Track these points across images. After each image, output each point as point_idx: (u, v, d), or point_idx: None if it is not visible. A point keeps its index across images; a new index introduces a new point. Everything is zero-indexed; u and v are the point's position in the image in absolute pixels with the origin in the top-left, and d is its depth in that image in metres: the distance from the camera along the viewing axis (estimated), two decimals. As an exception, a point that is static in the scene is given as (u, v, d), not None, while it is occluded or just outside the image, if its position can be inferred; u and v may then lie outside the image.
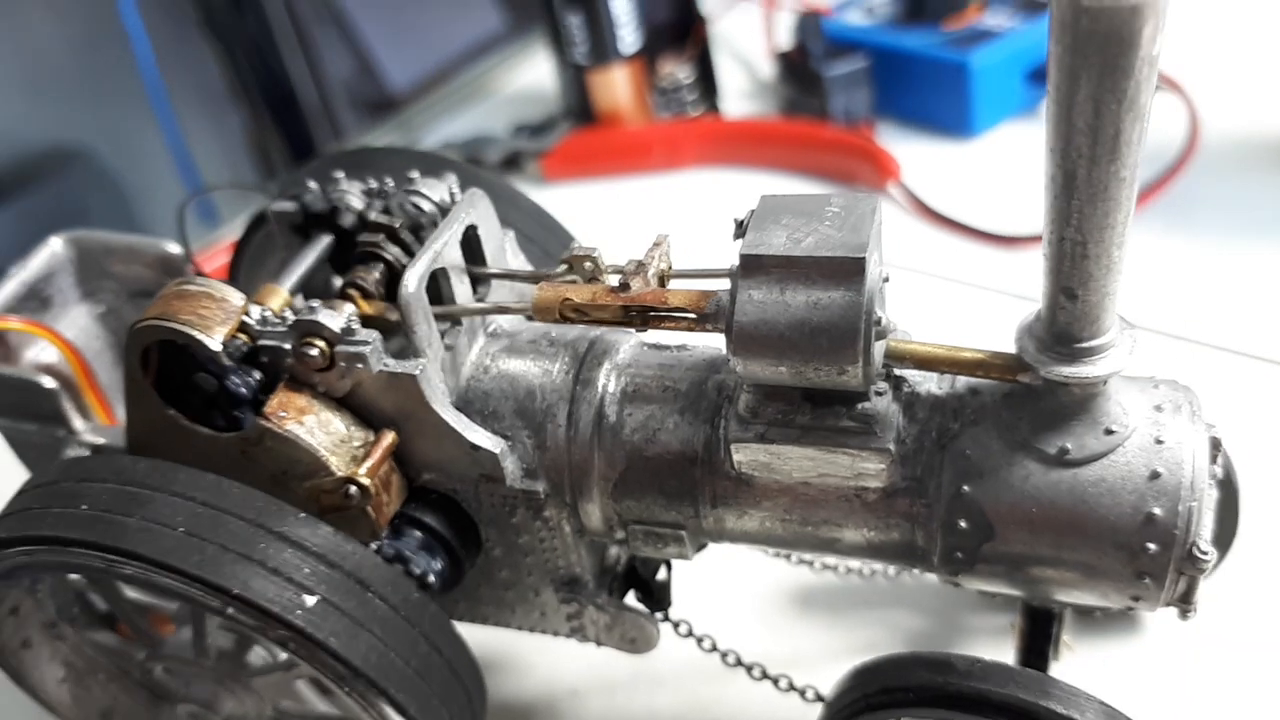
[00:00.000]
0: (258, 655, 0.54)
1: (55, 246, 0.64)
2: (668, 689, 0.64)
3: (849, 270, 0.41)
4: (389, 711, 0.47)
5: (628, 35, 1.15)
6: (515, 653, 0.68)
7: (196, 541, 0.45)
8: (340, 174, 0.56)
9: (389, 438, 0.49)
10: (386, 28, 2.18)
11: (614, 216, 1.03)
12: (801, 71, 1.12)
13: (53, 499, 0.47)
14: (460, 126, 1.35)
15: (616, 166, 1.15)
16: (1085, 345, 0.41)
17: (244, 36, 1.85)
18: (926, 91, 1.08)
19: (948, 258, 0.93)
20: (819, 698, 0.57)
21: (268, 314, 0.49)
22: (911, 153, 1.04)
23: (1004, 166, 1.03)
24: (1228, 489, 0.56)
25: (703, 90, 1.20)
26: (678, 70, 1.18)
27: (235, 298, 0.48)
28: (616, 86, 1.17)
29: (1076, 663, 0.45)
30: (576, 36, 1.15)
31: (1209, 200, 0.92)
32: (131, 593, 0.52)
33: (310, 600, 0.45)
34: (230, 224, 1.24)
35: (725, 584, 0.66)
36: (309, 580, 0.45)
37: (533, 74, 1.41)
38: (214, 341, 0.46)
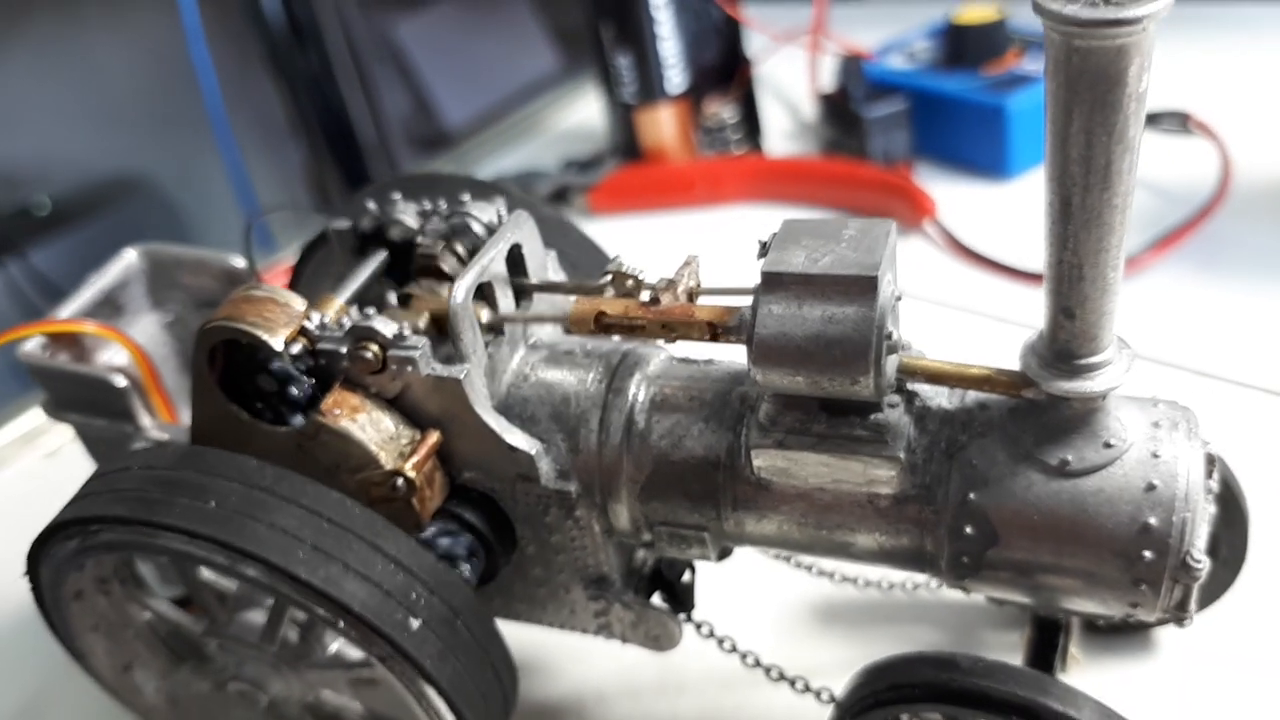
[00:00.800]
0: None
1: (130, 258, 0.69)
2: (691, 695, 0.67)
3: (862, 287, 0.45)
4: (444, 711, 0.51)
5: (675, 76, 1.19)
6: (546, 657, 0.71)
7: (323, 557, 0.48)
8: (397, 195, 0.60)
9: (434, 436, 0.52)
10: (444, 67, 2.24)
11: (656, 249, 1.07)
12: (843, 113, 1.15)
13: (177, 488, 0.50)
14: (512, 161, 1.40)
15: (660, 201, 1.19)
16: (1084, 362, 0.44)
17: (306, 72, 1.91)
18: (964, 134, 1.11)
19: (980, 294, 0.95)
20: (834, 699, 0.59)
21: (326, 320, 0.53)
22: (948, 193, 1.07)
23: (1038, 207, 1.05)
24: (1236, 513, 0.58)
25: (746, 130, 1.24)
26: (722, 110, 1.22)
27: (297, 303, 0.52)
28: (662, 125, 1.21)
29: (1087, 680, 0.47)
30: (626, 77, 1.20)
31: (1239, 243, 0.94)
32: (207, 574, 0.55)
33: (415, 623, 0.49)
34: (286, 249, 1.29)
35: (747, 595, 0.69)
36: (415, 605, 0.49)
37: (583, 113, 1.46)
38: (277, 342, 0.50)
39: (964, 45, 1.14)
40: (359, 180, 1.96)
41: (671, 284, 0.51)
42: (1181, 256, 0.94)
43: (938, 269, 1.00)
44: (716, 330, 0.49)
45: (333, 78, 1.93)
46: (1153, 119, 1.08)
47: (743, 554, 0.67)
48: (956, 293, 0.96)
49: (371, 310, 0.52)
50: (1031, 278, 0.95)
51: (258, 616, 0.56)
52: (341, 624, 0.48)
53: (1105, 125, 0.37)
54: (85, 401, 0.62)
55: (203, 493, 0.49)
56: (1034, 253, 0.96)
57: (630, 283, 0.52)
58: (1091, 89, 0.37)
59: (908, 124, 1.12)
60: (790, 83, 1.33)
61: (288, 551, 0.48)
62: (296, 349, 0.51)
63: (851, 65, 1.15)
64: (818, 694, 0.60)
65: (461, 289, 0.51)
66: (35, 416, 1.05)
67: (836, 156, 1.17)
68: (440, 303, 0.55)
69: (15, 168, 1.98)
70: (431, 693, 0.50)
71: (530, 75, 2.02)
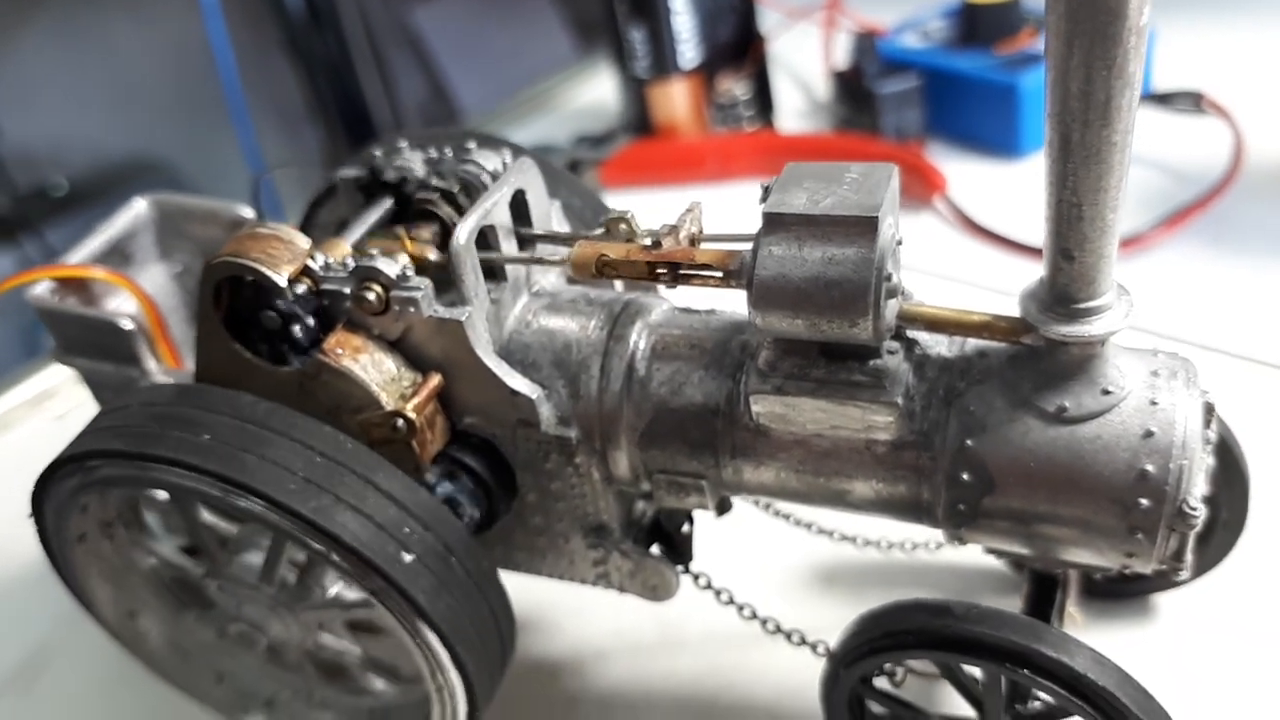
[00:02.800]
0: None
1: (139, 207, 0.69)
2: (690, 651, 0.67)
3: (863, 228, 0.45)
4: (446, 661, 0.51)
5: (688, 51, 1.19)
6: (546, 614, 0.71)
7: (314, 489, 0.49)
8: (404, 145, 0.60)
9: (435, 379, 0.53)
10: (460, 52, 2.25)
11: (666, 222, 1.07)
12: (856, 90, 1.15)
13: (171, 422, 0.51)
14: (524, 136, 1.39)
15: (671, 176, 1.19)
16: (1083, 306, 0.44)
17: (323, 56, 1.91)
18: (976, 112, 1.11)
19: (990, 270, 0.95)
20: (829, 652, 0.59)
21: (330, 261, 0.53)
22: (960, 170, 1.07)
23: (1049, 185, 1.05)
24: (1237, 477, 0.58)
25: (759, 106, 1.24)
26: (735, 86, 1.22)
27: (302, 241, 0.52)
28: (675, 100, 1.21)
29: (1087, 641, 0.47)
30: (639, 51, 1.20)
31: (1251, 221, 0.94)
32: (208, 517, 0.56)
33: (408, 557, 0.49)
34: (294, 212, 1.29)
35: (746, 553, 0.69)
36: (408, 539, 0.50)
37: (596, 90, 1.46)
38: (280, 278, 0.51)
39: (978, 24, 1.13)
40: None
41: (674, 229, 0.51)
42: (1193, 234, 0.93)
43: (948, 245, 1.00)
44: (716, 273, 0.49)
45: (349, 61, 1.94)
46: (1166, 99, 1.07)
47: (742, 512, 0.67)
48: (966, 269, 0.95)
49: (375, 251, 0.52)
50: (1040, 254, 0.94)
51: (257, 559, 0.56)
52: (334, 556, 0.49)
53: (1105, 59, 0.37)
54: (93, 346, 0.63)
55: (197, 427, 0.50)
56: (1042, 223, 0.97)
57: (624, 226, 0.52)
58: (1092, 21, 0.37)
59: (920, 101, 1.12)
60: (804, 60, 1.33)
61: (279, 483, 0.48)
62: (301, 289, 0.52)
63: (865, 42, 1.15)
64: (813, 647, 0.60)
65: (464, 230, 0.51)
66: (44, 380, 1.06)
67: (849, 133, 1.17)
68: (419, 247, 0.55)
69: (32, 149, 1.99)
70: (425, 629, 0.50)
71: (545, 60, 2.02)
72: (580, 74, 1.57)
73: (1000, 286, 0.92)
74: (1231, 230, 0.93)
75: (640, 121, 1.25)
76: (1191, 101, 1.07)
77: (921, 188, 1.05)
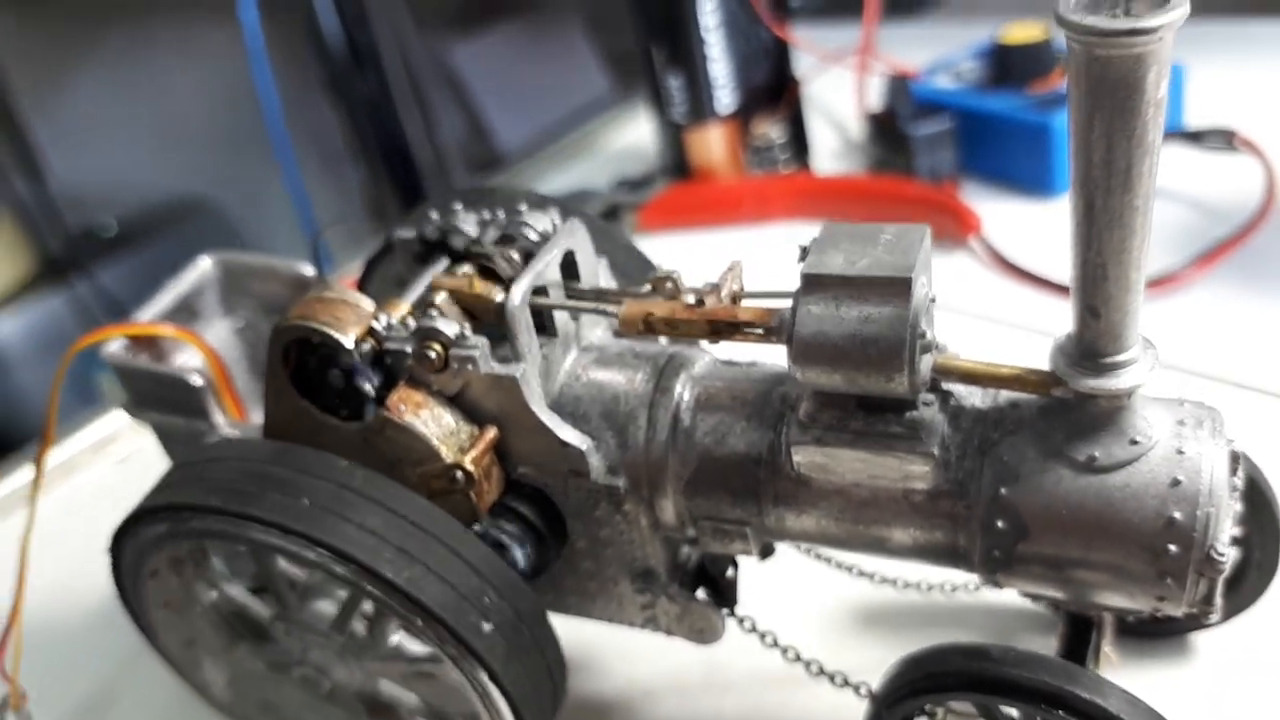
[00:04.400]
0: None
1: (204, 265, 0.73)
2: (735, 693, 0.69)
3: (897, 289, 0.47)
4: (507, 716, 0.54)
5: (724, 96, 1.22)
6: (595, 655, 0.73)
7: (406, 559, 0.51)
8: (458, 206, 0.63)
9: (491, 432, 0.55)
10: (499, 91, 2.29)
11: (705, 265, 1.10)
12: (890, 132, 1.17)
13: (268, 482, 0.53)
14: (564, 181, 1.43)
15: (709, 219, 1.22)
16: (1109, 360, 0.46)
17: (365, 96, 1.95)
18: (1009, 152, 1.13)
19: (1024, 309, 0.97)
20: (871, 694, 0.61)
21: (392, 321, 0.56)
22: (994, 210, 1.09)
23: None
24: (1270, 520, 0.59)
25: (794, 149, 1.26)
26: (771, 129, 1.24)
27: (367, 304, 0.55)
28: (712, 144, 1.24)
29: (1121, 681, 0.48)
30: (676, 97, 1.23)
31: (1283, 258, 0.95)
32: (283, 564, 0.59)
33: (488, 627, 0.52)
34: (343, 264, 1.33)
35: (789, 596, 0.71)
36: (488, 609, 0.53)
37: (634, 134, 1.50)
38: (347, 340, 0.54)
39: (1010, 65, 1.16)
40: (415, 201, 2.01)
41: (716, 288, 0.53)
42: (1226, 272, 0.95)
43: (983, 285, 1.02)
44: (757, 330, 0.51)
45: (391, 101, 1.97)
46: (1198, 136, 1.09)
47: (785, 556, 0.69)
48: (1001, 308, 0.97)
49: (435, 312, 0.55)
50: (1075, 292, 0.96)
51: (327, 605, 0.59)
52: (419, 623, 0.51)
53: (1125, 130, 0.40)
54: (163, 400, 0.66)
55: (295, 489, 0.52)
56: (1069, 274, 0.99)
57: (669, 285, 0.54)
58: (1112, 96, 0.39)
59: (953, 142, 1.14)
60: (838, 102, 1.35)
61: (375, 552, 0.51)
62: (365, 348, 0.55)
63: (898, 85, 1.18)
64: (856, 689, 0.61)
65: (518, 291, 0.54)
66: (106, 425, 1.10)
67: (883, 174, 1.19)
68: (459, 283, 0.58)
69: (82, 190, 2.05)
70: (495, 692, 0.53)
71: (583, 99, 2.06)
72: (619, 117, 1.61)
73: (1035, 326, 0.93)
74: (1265, 267, 0.95)
75: (678, 165, 1.28)
76: (1223, 139, 1.08)
77: (956, 228, 1.07)
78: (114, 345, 0.67)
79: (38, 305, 1.88)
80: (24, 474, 1.05)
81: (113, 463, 1.07)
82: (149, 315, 0.69)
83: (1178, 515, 0.46)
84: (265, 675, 0.66)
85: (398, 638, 0.59)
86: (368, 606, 0.57)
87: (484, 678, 0.53)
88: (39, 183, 2.02)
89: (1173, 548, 0.47)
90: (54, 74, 2.01)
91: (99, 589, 0.87)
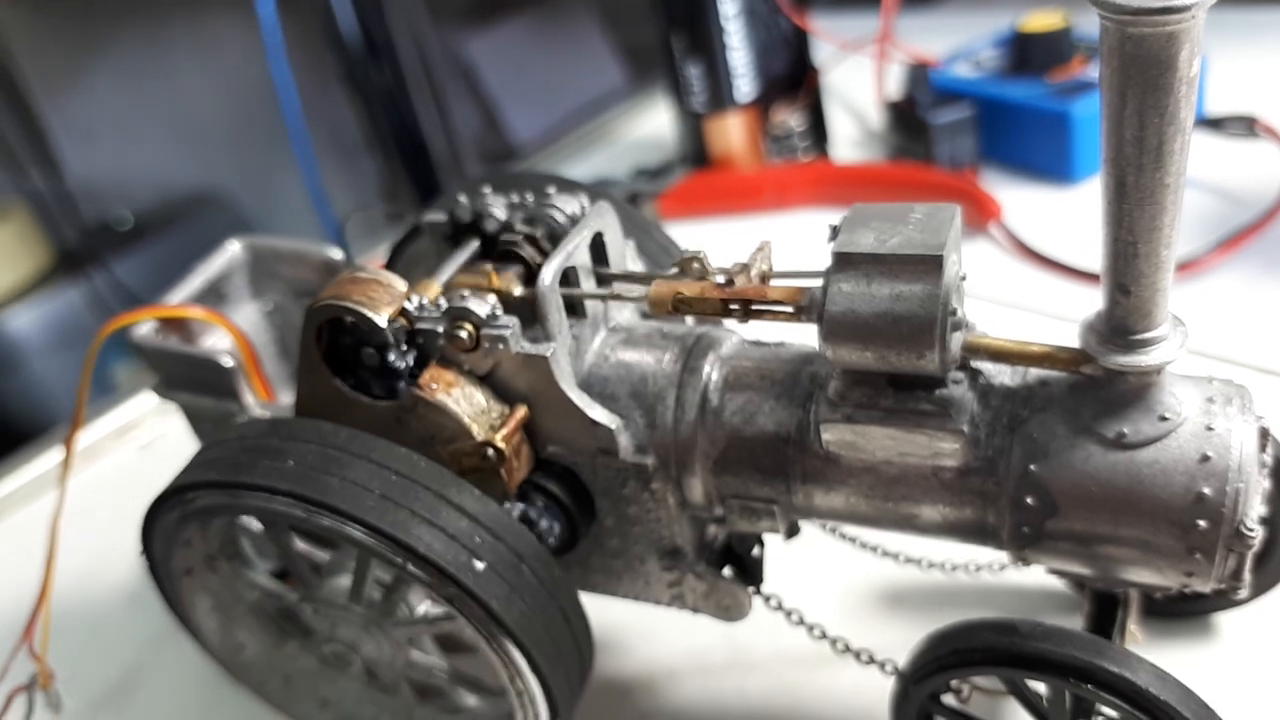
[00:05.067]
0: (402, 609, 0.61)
1: (234, 249, 0.74)
2: (759, 672, 0.69)
3: (929, 266, 0.47)
4: (524, 667, 0.54)
5: (744, 85, 1.22)
6: (620, 636, 0.74)
7: (390, 504, 0.52)
8: (487, 189, 0.64)
9: (522, 411, 0.56)
10: (514, 83, 2.30)
11: (724, 253, 1.11)
12: (909, 120, 1.17)
13: (261, 453, 0.55)
14: (582, 170, 1.44)
15: (728, 207, 1.22)
16: (1139, 337, 0.46)
17: (380, 89, 1.95)
18: (1029, 140, 1.13)
19: (1046, 295, 0.97)
20: (898, 670, 0.62)
21: (424, 302, 0.57)
22: (1014, 197, 1.09)
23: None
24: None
25: (814, 137, 1.26)
26: (790, 118, 1.25)
27: (399, 284, 0.56)
28: (731, 133, 1.25)
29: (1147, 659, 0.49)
30: (696, 86, 1.23)
31: (1306, 245, 0.95)
32: (300, 544, 0.59)
33: (479, 565, 0.53)
34: (360, 255, 1.34)
35: (814, 576, 0.72)
36: (479, 548, 0.53)
37: (653, 123, 1.50)
38: (381, 319, 0.54)
39: (1029, 52, 1.16)
40: (431, 193, 2.02)
41: (745, 268, 0.54)
42: (1248, 257, 0.95)
43: (1004, 272, 1.02)
44: (788, 309, 0.52)
45: (406, 94, 1.98)
46: (1219, 123, 1.09)
47: (810, 536, 0.69)
48: (1022, 294, 0.97)
49: (466, 292, 0.56)
50: (1095, 279, 0.96)
51: (347, 581, 0.60)
52: (411, 568, 0.52)
53: (1157, 108, 0.40)
54: (194, 381, 0.67)
55: (282, 454, 0.54)
56: (1098, 255, 0.99)
57: (697, 265, 0.55)
58: (1144, 74, 0.39)
59: (974, 130, 1.14)
60: (857, 91, 1.35)
61: (358, 501, 0.52)
62: (397, 327, 0.55)
63: (918, 73, 1.18)
64: (881, 666, 0.62)
65: (549, 272, 0.54)
66: (128, 411, 1.11)
67: (903, 162, 1.19)
68: (505, 282, 0.59)
69: (99, 183, 2.06)
70: (502, 635, 0.53)
71: (597, 91, 2.06)
72: (637, 107, 1.61)
73: (1057, 312, 0.93)
74: (1288, 253, 0.95)
75: (697, 154, 1.28)
76: (1245, 126, 1.08)
77: (977, 215, 1.07)
78: (144, 328, 0.68)
79: (54, 297, 1.89)
80: (47, 460, 1.06)
81: (135, 448, 1.08)
82: (178, 298, 0.70)
83: (1207, 491, 0.47)
84: (318, 672, 0.67)
85: (422, 607, 0.59)
86: (384, 575, 0.57)
87: (487, 620, 0.53)
88: (55, 176, 2.03)
89: (1202, 523, 0.47)
90: (70, 68, 2.03)
91: (125, 571, 0.88)
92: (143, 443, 1.09)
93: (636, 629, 0.74)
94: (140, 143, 2.06)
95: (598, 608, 0.65)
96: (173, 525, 0.59)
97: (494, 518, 0.54)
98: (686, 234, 1.20)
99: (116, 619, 0.85)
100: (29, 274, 1.92)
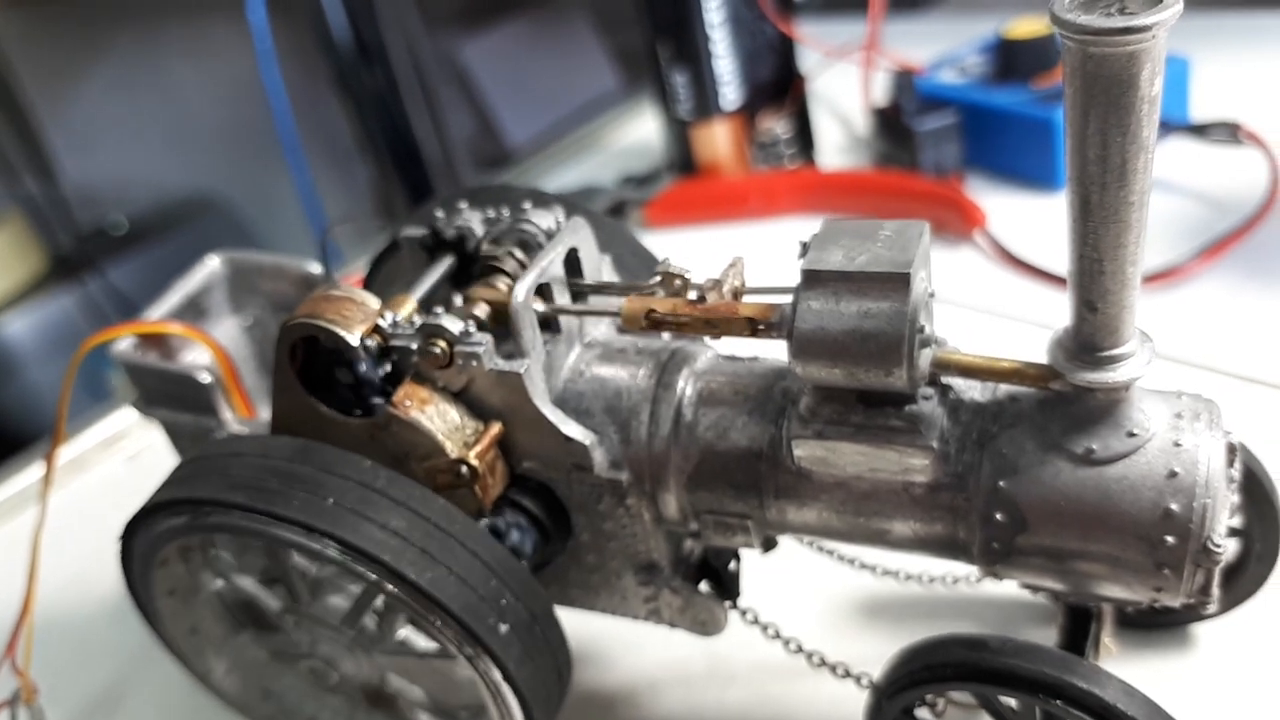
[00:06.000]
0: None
1: (213, 264, 0.74)
2: (739, 685, 0.69)
3: (896, 284, 0.47)
4: (499, 680, 0.54)
5: (730, 92, 1.22)
6: (602, 649, 0.74)
7: (429, 560, 0.52)
8: (463, 205, 0.64)
9: (496, 427, 0.56)
10: (507, 87, 2.30)
11: (710, 260, 1.11)
12: (895, 126, 1.18)
13: (293, 481, 0.53)
14: (571, 178, 1.44)
15: (714, 214, 1.22)
16: (1107, 354, 0.46)
17: (373, 93, 1.95)
18: (1014, 146, 1.13)
19: (1029, 302, 0.97)
20: (873, 684, 0.62)
21: (398, 319, 0.57)
22: (998, 204, 1.09)
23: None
24: (1270, 509, 0.59)
25: (800, 144, 1.27)
26: (776, 125, 1.25)
27: (373, 302, 0.56)
28: (717, 140, 1.25)
29: (1122, 671, 0.49)
30: (682, 94, 1.24)
31: (1289, 251, 0.95)
32: (298, 559, 0.59)
33: (504, 629, 0.53)
34: (352, 262, 1.34)
35: (792, 588, 0.72)
36: (504, 610, 0.53)
37: (641, 130, 1.50)
38: (353, 338, 0.54)
39: (1014, 59, 1.16)
40: (424, 197, 2.01)
41: (717, 283, 0.54)
42: (1230, 264, 0.95)
43: (988, 279, 1.02)
44: (758, 325, 0.52)
45: (399, 98, 1.98)
46: (1203, 129, 1.09)
47: (788, 549, 0.69)
48: (1007, 302, 0.98)
49: (440, 309, 0.56)
50: (1079, 286, 0.96)
51: (339, 600, 0.60)
52: (438, 623, 0.52)
53: (1120, 126, 0.40)
54: (172, 397, 0.67)
55: (320, 489, 0.53)
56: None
57: (678, 282, 0.55)
58: (1106, 93, 0.39)
59: (958, 137, 1.14)
60: (843, 97, 1.36)
61: (399, 553, 0.52)
62: (371, 344, 0.55)
63: (903, 80, 1.18)
64: (858, 679, 0.62)
65: (522, 289, 0.54)
66: (116, 422, 1.11)
67: (889, 169, 1.19)
68: (496, 294, 0.59)
69: (94, 188, 2.06)
70: (508, 691, 0.54)
71: (591, 94, 2.06)
72: (626, 114, 1.61)
73: (1041, 319, 0.94)
74: (1270, 260, 0.95)
75: (684, 161, 1.28)
76: (1228, 132, 1.08)
77: (961, 222, 1.07)
78: (123, 343, 0.68)
79: (49, 303, 1.90)
80: (36, 471, 1.06)
81: (123, 459, 1.08)
82: (158, 314, 0.70)
83: (1174, 507, 0.47)
84: (267, 664, 0.67)
85: (405, 632, 0.60)
86: (379, 602, 0.57)
87: (498, 676, 0.54)
88: (50, 181, 2.03)
89: (1169, 539, 0.47)
90: (64, 74, 2.03)
91: (109, 584, 0.88)
92: (130, 454, 1.09)
93: (619, 641, 0.74)
94: (135, 148, 2.06)
95: (580, 620, 0.65)
96: (174, 529, 0.58)
97: (518, 578, 0.54)
98: (673, 242, 1.21)
99: (101, 632, 0.85)
100: (23, 280, 1.92)
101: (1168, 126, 1.10)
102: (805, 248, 0.51)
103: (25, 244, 1.95)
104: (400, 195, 2.07)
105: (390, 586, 0.52)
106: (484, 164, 2.21)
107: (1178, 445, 0.48)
